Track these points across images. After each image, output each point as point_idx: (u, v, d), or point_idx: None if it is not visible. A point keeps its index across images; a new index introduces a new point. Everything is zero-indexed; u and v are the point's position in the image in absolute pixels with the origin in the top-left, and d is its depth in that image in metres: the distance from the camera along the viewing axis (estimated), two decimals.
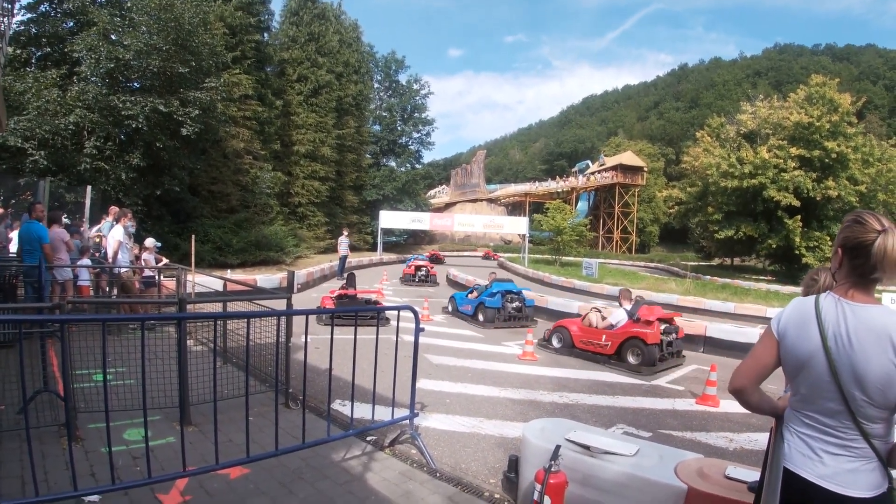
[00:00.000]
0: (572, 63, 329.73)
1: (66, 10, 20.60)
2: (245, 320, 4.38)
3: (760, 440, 5.69)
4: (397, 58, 59.45)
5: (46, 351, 4.73)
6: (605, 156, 77.87)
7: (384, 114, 58.24)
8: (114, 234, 9.73)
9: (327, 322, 10.21)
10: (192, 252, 9.45)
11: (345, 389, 5.51)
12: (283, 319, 5.26)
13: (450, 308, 14.41)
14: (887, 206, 38.64)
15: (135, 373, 4.25)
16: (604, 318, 9.88)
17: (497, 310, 12.80)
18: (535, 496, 2.99)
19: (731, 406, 6.78)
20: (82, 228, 12.57)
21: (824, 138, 37.31)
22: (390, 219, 42.39)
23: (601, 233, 72.65)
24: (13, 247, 10.20)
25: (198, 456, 4.00)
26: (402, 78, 59.96)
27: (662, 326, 9.29)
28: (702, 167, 42.42)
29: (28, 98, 17.29)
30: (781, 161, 37.64)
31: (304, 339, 6.05)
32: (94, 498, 3.36)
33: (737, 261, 53.53)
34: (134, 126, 18.44)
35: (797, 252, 37.69)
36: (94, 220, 13.39)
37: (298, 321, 7.74)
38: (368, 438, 4.79)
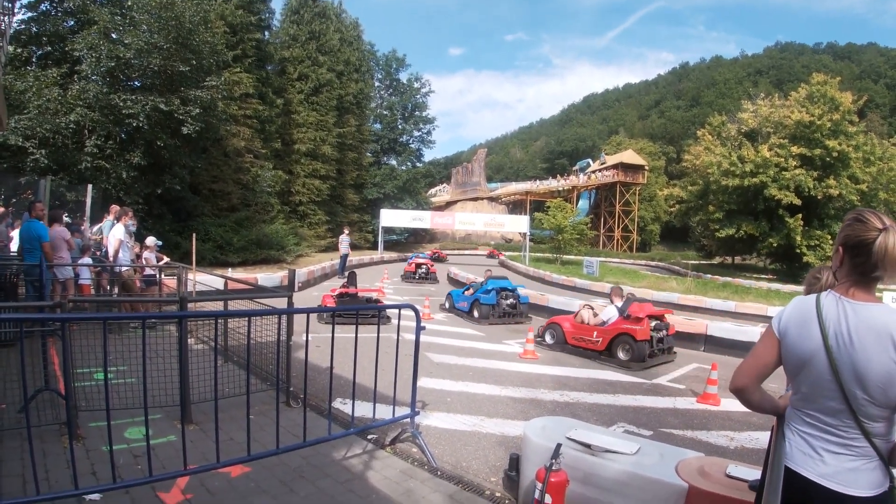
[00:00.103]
0: (573, 61, 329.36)
1: (66, 8, 20.60)
2: (246, 319, 4.38)
3: (761, 439, 5.69)
4: (398, 56, 59.42)
5: (47, 349, 4.74)
6: (606, 154, 77.81)
7: (385, 112, 58.18)
8: (115, 233, 9.74)
9: (328, 321, 10.20)
10: (193, 251, 9.46)
11: (346, 388, 5.52)
12: (284, 318, 5.26)
13: (447, 305, 14.61)
14: (888, 204, 38.57)
15: (136, 371, 4.25)
16: (595, 315, 10.05)
17: (492, 306, 13.02)
18: (537, 495, 2.99)
19: (732, 405, 6.78)
20: (83, 227, 12.57)
21: (825, 137, 37.26)
22: (391, 217, 42.38)
23: (602, 231, 72.64)
24: (14, 246, 10.21)
25: (199, 454, 4.00)
26: (403, 76, 59.96)
27: (653, 323, 9.44)
28: (703, 166, 42.35)
29: (29, 97, 17.29)
30: (782, 160, 37.59)
31: (305, 338, 6.06)
32: (96, 496, 3.37)
33: (738, 259, 53.46)
34: (135, 125, 18.43)
35: (798, 251, 37.65)
36: (95, 219, 13.40)
37: (299, 320, 7.75)
38: (369, 437, 4.80)
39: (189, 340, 6.03)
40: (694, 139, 51.97)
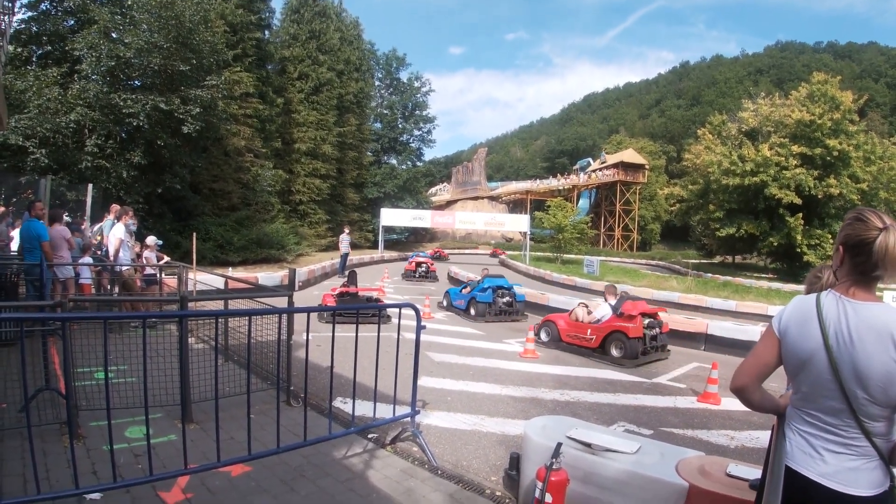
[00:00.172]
0: (573, 60, 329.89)
1: (66, 8, 20.58)
2: (246, 318, 4.38)
3: (762, 438, 5.70)
4: (398, 55, 59.39)
5: (48, 349, 4.74)
6: (607, 153, 77.83)
7: (385, 111, 58.15)
8: (115, 233, 9.74)
9: (328, 320, 10.21)
10: (194, 250, 9.47)
11: (346, 387, 5.52)
12: (285, 317, 5.26)
13: (444, 303, 14.80)
14: (889, 204, 38.52)
15: (136, 370, 4.25)
16: (590, 313, 10.21)
17: (488, 304, 13.22)
18: (537, 494, 3.00)
19: (733, 404, 6.78)
20: (83, 226, 12.57)
21: (826, 136, 37.19)
22: (391, 216, 42.38)
23: (602, 230, 72.66)
24: (15, 245, 10.21)
25: (199, 453, 4.01)
26: (403, 75, 59.96)
27: (646, 321, 9.59)
28: (703, 165, 42.28)
29: (29, 96, 17.27)
30: (783, 159, 37.53)
31: (305, 337, 6.07)
32: (96, 496, 3.37)
33: (738, 259, 53.38)
34: (135, 124, 18.41)
35: (798, 250, 37.59)
36: (96, 219, 13.39)
37: (300, 319, 7.75)
38: (370, 436, 4.80)
39: (189, 340, 6.03)
40: (694, 138, 51.91)
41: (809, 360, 1.76)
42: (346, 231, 23.66)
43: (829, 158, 37.19)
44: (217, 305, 7.31)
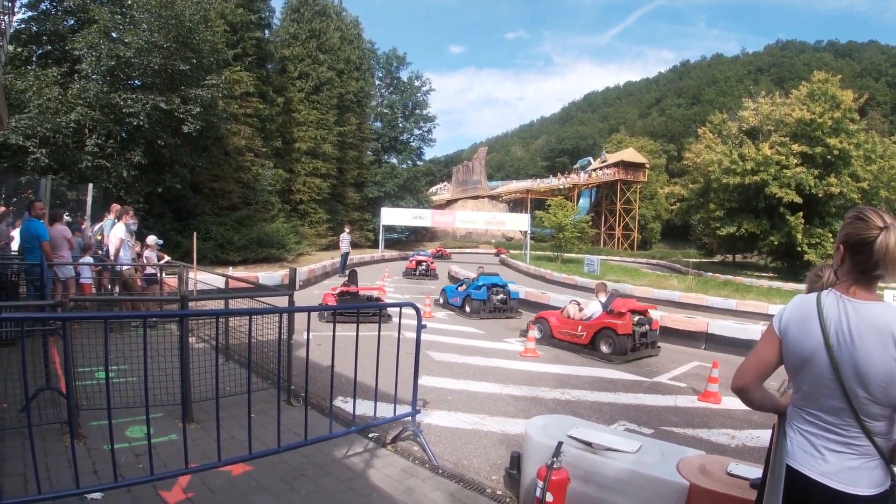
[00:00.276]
0: (574, 59, 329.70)
1: (66, 7, 20.56)
2: (247, 317, 4.38)
3: (762, 437, 5.70)
4: (398, 54, 59.46)
5: (48, 349, 4.74)
6: (607, 152, 77.82)
7: (385, 111, 58.19)
8: (115, 232, 9.74)
9: (329, 319, 10.21)
10: (194, 249, 9.45)
11: (347, 386, 5.52)
12: (285, 316, 5.26)
13: (441, 300, 15.11)
14: (889, 203, 38.47)
15: (137, 370, 4.25)
16: (581, 310, 10.40)
17: (483, 301, 13.56)
18: (538, 493, 3.00)
19: (733, 403, 6.77)
20: (84, 226, 12.57)
21: (826, 135, 37.15)
22: (392, 216, 42.41)
23: (603, 230, 72.64)
24: (15, 245, 10.21)
25: (200, 453, 4.01)
26: (404, 75, 60.04)
27: (636, 318, 9.74)
28: (704, 164, 42.24)
29: (29, 96, 17.27)
30: (783, 158, 37.48)
31: (306, 337, 6.08)
32: (97, 495, 3.37)
33: (739, 258, 53.37)
34: (135, 124, 18.40)
35: (799, 249, 37.56)
36: (96, 218, 13.38)
37: (300, 318, 7.76)
38: (371, 435, 4.80)
39: (190, 339, 6.03)
40: (695, 137, 51.87)
41: (810, 360, 1.76)
42: (347, 230, 23.80)
43: (829, 157, 37.16)
44: (218, 305, 7.31)
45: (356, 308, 8.15)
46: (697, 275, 36.32)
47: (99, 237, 11.47)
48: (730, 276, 35.15)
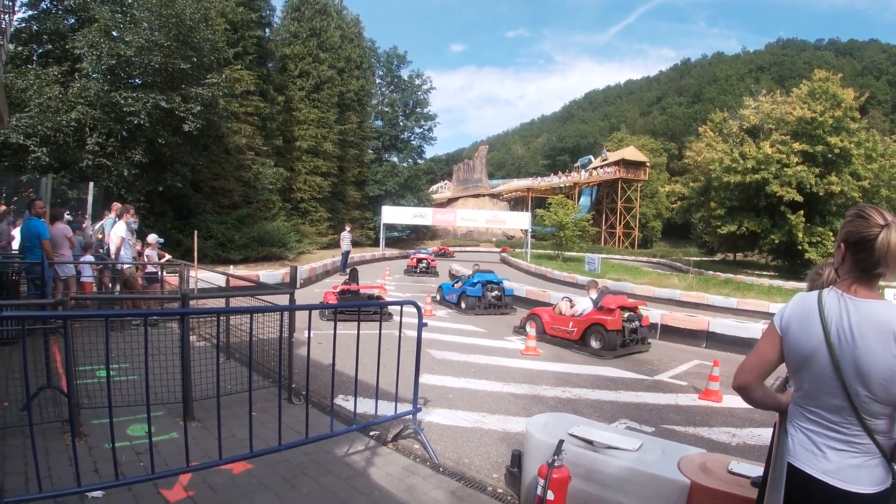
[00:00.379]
0: (574, 58, 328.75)
1: (67, 6, 20.56)
2: (248, 316, 4.38)
3: (763, 435, 5.70)
4: (399, 53, 59.36)
5: (49, 347, 4.75)
6: (608, 151, 77.63)
7: (386, 109, 58.16)
8: (116, 231, 9.74)
9: (330, 317, 10.22)
10: (195, 248, 9.46)
11: (348, 385, 5.52)
12: (286, 315, 5.26)
13: (438, 297, 15.38)
14: (890, 201, 38.39)
15: (138, 369, 4.26)
16: (572, 307, 10.61)
17: (478, 298, 13.83)
18: (539, 491, 3.00)
19: (734, 401, 6.78)
20: (85, 225, 12.57)
21: (827, 133, 37.08)
22: (393, 214, 42.39)
23: (604, 228, 72.54)
24: (16, 244, 10.22)
25: (201, 451, 4.02)
26: (404, 73, 59.93)
27: (626, 314, 9.91)
28: (704, 162, 42.20)
29: (30, 95, 17.28)
30: (784, 156, 37.43)
31: (306, 335, 6.08)
32: (98, 494, 3.37)
33: (739, 256, 53.33)
34: (136, 122, 18.42)
35: (800, 247, 37.52)
36: (97, 217, 13.38)
37: (301, 317, 7.75)
38: (371, 433, 4.81)
39: (191, 337, 6.04)
40: (695, 136, 51.82)
41: (811, 358, 1.76)
42: (348, 229, 23.91)
43: (830, 156, 37.10)
44: (218, 303, 7.31)
45: (357, 306, 8.16)
46: (698, 273, 36.31)
47: (100, 236, 11.47)
48: (730, 275, 35.14)
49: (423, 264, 25.98)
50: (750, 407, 2.08)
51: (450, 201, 72.35)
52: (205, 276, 10.18)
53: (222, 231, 24.63)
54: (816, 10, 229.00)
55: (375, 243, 43.80)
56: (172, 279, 10.72)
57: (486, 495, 3.82)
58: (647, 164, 72.79)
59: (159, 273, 10.77)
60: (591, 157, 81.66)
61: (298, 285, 15.64)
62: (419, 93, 58.77)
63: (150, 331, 3.49)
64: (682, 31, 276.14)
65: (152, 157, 19.67)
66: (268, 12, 34.15)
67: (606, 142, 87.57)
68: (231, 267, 19.51)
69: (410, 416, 4.88)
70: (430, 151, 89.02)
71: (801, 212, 36.82)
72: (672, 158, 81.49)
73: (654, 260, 56.10)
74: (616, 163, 70.87)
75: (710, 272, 38.06)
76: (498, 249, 54.80)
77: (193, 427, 4.58)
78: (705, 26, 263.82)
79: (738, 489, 2.84)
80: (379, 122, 56.98)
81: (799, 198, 36.71)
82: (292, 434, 4.31)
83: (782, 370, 2.04)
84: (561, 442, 3.19)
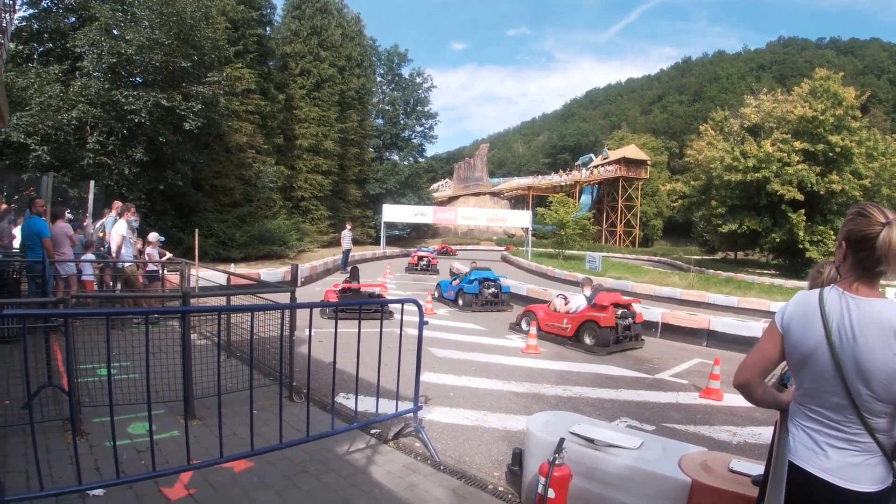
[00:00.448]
0: (575, 56, 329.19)
1: (67, 5, 20.53)
2: (249, 314, 4.38)
3: (764, 434, 5.70)
4: (400, 51, 59.29)
5: (50, 345, 4.75)
6: (609, 149, 77.50)
7: (387, 107, 58.11)
8: (117, 229, 9.74)
9: (331, 316, 10.23)
10: (196, 246, 9.47)
11: (348, 383, 5.52)
12: (287, 313, 5.26)
13: (436, 294, 15.46)
14: (891, 200, 38.32)
15: (139, 367, 4.26)
16: (566, 304, 10.77)
17: (475, 295, 13.97)
18: (540, 489, 3.00)
19: (735, 400, 6.78)
20: (85, 223, 12.57)
21: (828, 132, 37.03)
22: (393, 212, 42.37)
23: (604, 226, 72.47)
24: (17, 243, 10.22)
25: (202, 449, 4.02)
26: (405, 71, 59.86)
27: (619, 311, 10.05)
28: (705, 161, 42.16)
29: (30, 94, 17.26)
30: (785, 155, 37.39)
31: (307, 333, 6.05)
32: (99, 492, 3.38)
33: (740, 255, 53.31)
34: (136, 121, 18.41)
35: (801, 246, 37.50)
36: (98, 215, 13.38)
37: (302, 315, 7.75)
38: (372, 431, 4.81)
39: (192, 336, 6.04)
40: (696, 134, 51.79)
41: (812, 356, 1.76)
42: (348, 227, 23.94)
43: (831, 154, 37.05)
44: (219, 301, 7.31)
45: (358, 304, 8.17)
46: (699, 272, 36.24)
47: (101, 234, 11.47)
48: (731, 274, 35.14)
49: (424, 262, 26.40)
50: (751, 405, 2.08)
51: (450, 200, 72.37)
52: (205, 275, 10.20)
53: (223, 229, 24.63)
54: (818, 9, 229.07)
55: (376, 242, 43.82)
56: (173, 277, 10.74)
57: (487, 493, 3.82)
58: (648, 162, 72.72)
59: (160, 271, 10.77)
60: (592, 155, 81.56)
61: (299, 284, 15.62)
62: (420, 91, 58.75)
63: (150, 329, 3.49)
64: (684, 30, 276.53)
65: (153, 155, 19.67)
66: (268, 10, 34.10)
67: (607, 140, 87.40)
68: (232, 265, 19.51)
69: (411, 415, 4.88)
70: (430, 150, 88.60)
71: (802, 210, 36.80)
72: (673, 157, 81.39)
73: (655, 258, 56.06)
74: (617, 161, 70.79)
75: (711, 271, 38.03)
76: (500, 248, 54.84)
77: (194, 425, 4.59)
78: (706, 25, 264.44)
79: (739, 487, 2.84)
80: (380, 121, 56.95)
81: (800, 196, 36.68)
82: (293, 432, 4.31)
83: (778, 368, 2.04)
84: (562, 440, 3.19)
